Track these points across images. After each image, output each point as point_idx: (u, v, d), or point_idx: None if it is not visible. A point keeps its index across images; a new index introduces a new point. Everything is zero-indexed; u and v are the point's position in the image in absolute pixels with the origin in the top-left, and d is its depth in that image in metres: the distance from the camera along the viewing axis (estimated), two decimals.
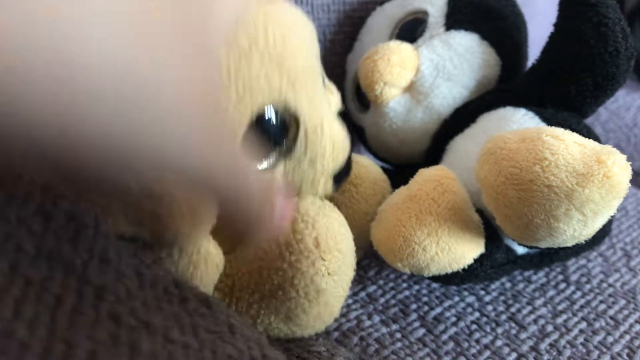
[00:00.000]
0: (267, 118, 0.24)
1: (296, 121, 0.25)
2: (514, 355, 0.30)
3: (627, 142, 0.64)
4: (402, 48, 0.34)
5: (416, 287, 0.34)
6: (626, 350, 0.31)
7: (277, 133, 0.24)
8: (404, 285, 0.34)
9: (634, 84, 0.74)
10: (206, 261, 0.24)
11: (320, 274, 0.24)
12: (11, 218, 0.15)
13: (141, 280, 0.17)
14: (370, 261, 0.36)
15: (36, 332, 0.12)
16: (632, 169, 0.69)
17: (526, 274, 0.37)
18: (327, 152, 0.26)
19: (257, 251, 0.26)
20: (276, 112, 0.24)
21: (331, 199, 0.31)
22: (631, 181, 0.59)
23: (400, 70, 0.34)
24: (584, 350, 0.31)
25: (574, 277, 0.37)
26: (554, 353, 0.30)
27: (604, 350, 0.31)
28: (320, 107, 0.26)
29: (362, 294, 0.34)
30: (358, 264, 0.36)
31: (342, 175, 0.28)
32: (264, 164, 0.25)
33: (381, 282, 0.35)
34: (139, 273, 0.17)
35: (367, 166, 0.32)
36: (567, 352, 0.31)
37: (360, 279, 0.35)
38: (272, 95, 0.23)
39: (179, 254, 0.24)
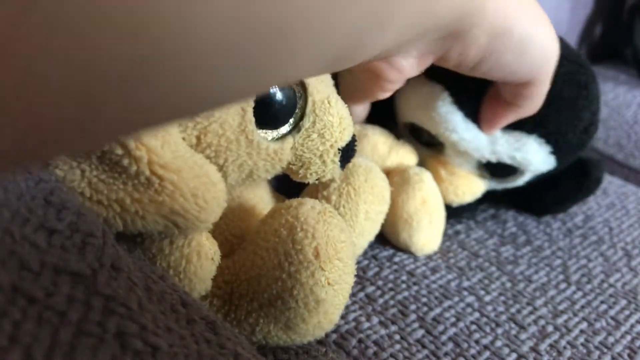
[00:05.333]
0: (277, 89, 0.25)
1: (305, 93, 0.26)
2: (514, 355, 0.30)
3: (627, 139, 0.63)
4: None
5: (415, 287, 0.34)
6: (627, 351, 0.31)
7: (287, 104, 0.25)
8: (403, 286, 0.34)
9: (635, 81, 0.74)
10: (199, 254, 0.24)
11: (320, 284, 0.24)
12: (15, 235, 0.14)
13: (150, 294, 0.16)
14: (369, 262, 0.36)
15: (32, 358, 0.12)
16: (633, 167, 0.69)
17: (526, 273, 0.36)
18: (335, 125, 0.27)
19: (255, 258, 0.26)
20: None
21: (329, 200, 0.31)
22: (631, 179, 0.58)
23: None
24: (585, 351, 0.31)
25: (574, 277, 0.36)
26: (554, 354, 0.30)
27: (605, 350, 0.31)
28: (326, 84, 0.27)
29: (361, 295, 0.33)
30: (357, 264, 0.36)
31: (349, 153, 0.28)
32: (275, 135, 0.26)
33: (380, 282, 0.34)
34: (148, 287, 0.17)
35: (364, 166, 0.32)
36: (568, 353, 0.30)
37: (359, 280, 0.34)
38: None
39: (170, 248, 0.23)
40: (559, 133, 0.35)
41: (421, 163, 0.39)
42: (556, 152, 0.36)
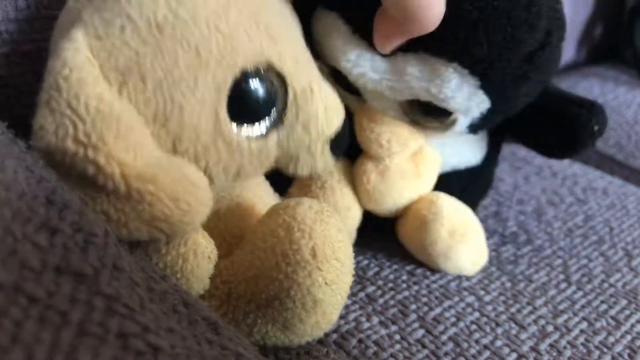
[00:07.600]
0: (253, 82, 0.23)
1: (284, 84, 0.24)
2: (514, 355, 0.30)
3: (627, 140, 0.63)
4: None
5: (415, 287, 0.34)
6: (627, 351, 0.31)
7: (266, 98, 0.24)
8: (403, 285, 0.34)
9: (635, 82, 0.74)
10: (195, 253, 0.24)
11: (317, 284, 0.24)
12: (17, 234, 0.14)
13: (152, 294, 0.16)
14: (369, 262, 0.36)
15: (33, 358, 0.12)
16: (633, 167, 0.69)
17: (526, 273, 0.36)
18: (319, 115, 0.25)
19: (252, 259, 0.26)
20: (263, 76, 0.24)
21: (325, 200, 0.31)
22: (631, 179, 0.58)
23: None
24: (585, 351, 0.31)
25: (575, 277, 0.36)
26: (555, 353, 0.30)
27: (605, 350, 0.31)
28: (307, 69, 0.26)
29: (361, 295, 0.33)
30: (357, 264, 0.36)
31: (340, 143, 0.27)
32: (257, 132, 0.25)
33: (380, 282, 0.34)
34: (149, 287, 0.16)
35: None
36: (568, 353, 0.30)
37: (359, 280, 0.34)
38: (255, 51, 0.23)
39: (166, 247, 0.23)
40: (487, 61, 0.28)
41: (350, 115, 0.33)
42: (486, 86, 0.29)
